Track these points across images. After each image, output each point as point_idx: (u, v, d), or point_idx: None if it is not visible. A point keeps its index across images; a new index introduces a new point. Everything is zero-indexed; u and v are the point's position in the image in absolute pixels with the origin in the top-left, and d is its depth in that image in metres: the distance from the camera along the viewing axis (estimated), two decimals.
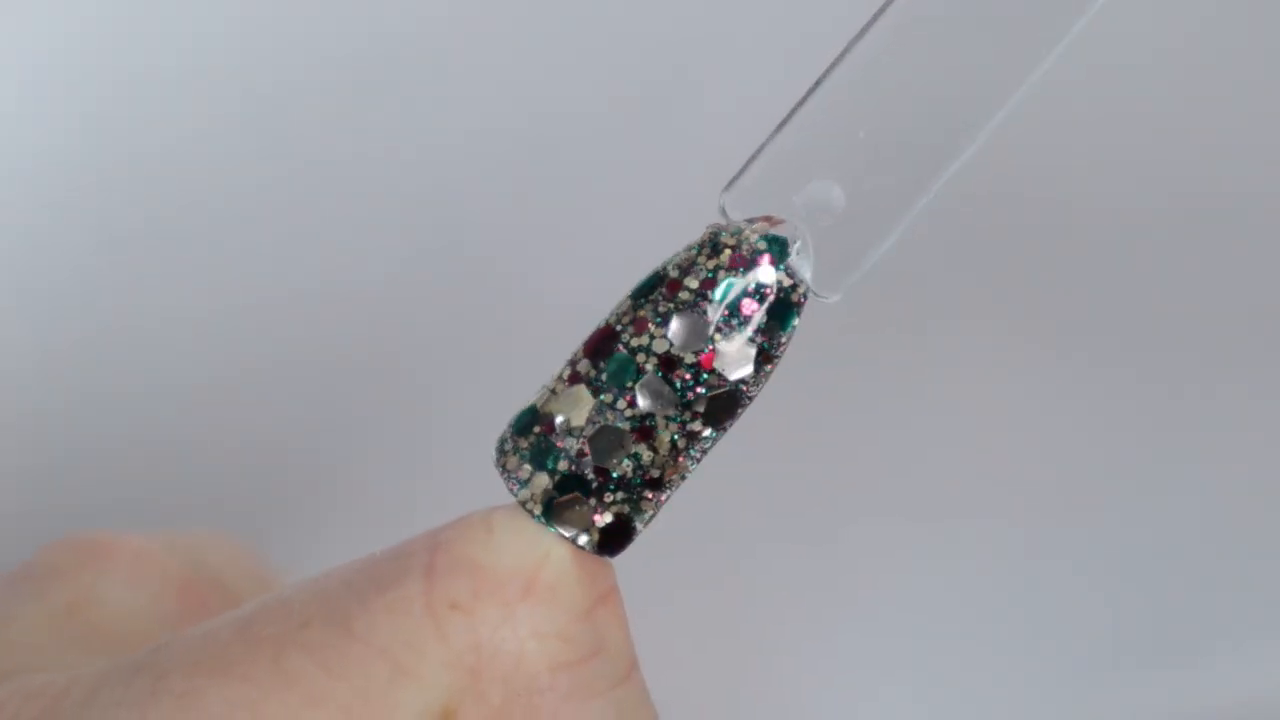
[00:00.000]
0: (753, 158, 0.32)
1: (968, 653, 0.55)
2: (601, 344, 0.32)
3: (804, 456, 0.56)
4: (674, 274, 0.32)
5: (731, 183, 0.33)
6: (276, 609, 0.32)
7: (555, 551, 0.32)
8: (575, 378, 0.32)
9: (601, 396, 0.32)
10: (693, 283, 0.32)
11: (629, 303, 0.32)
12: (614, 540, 0.32)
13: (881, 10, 0.32)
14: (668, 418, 0.32)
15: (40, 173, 0.53)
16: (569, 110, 0.55)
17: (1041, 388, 0.56)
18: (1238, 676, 0.54)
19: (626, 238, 0.53)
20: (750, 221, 0.32)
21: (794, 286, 0.32)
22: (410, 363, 0.55)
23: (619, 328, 0.32)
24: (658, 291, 0.32)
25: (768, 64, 0.54)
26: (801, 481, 0.56)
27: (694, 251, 0.32)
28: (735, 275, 0.32)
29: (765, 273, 0.32)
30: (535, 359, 0.53)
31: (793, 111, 0.32)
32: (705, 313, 0.32)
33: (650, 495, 0.32)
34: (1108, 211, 0.56)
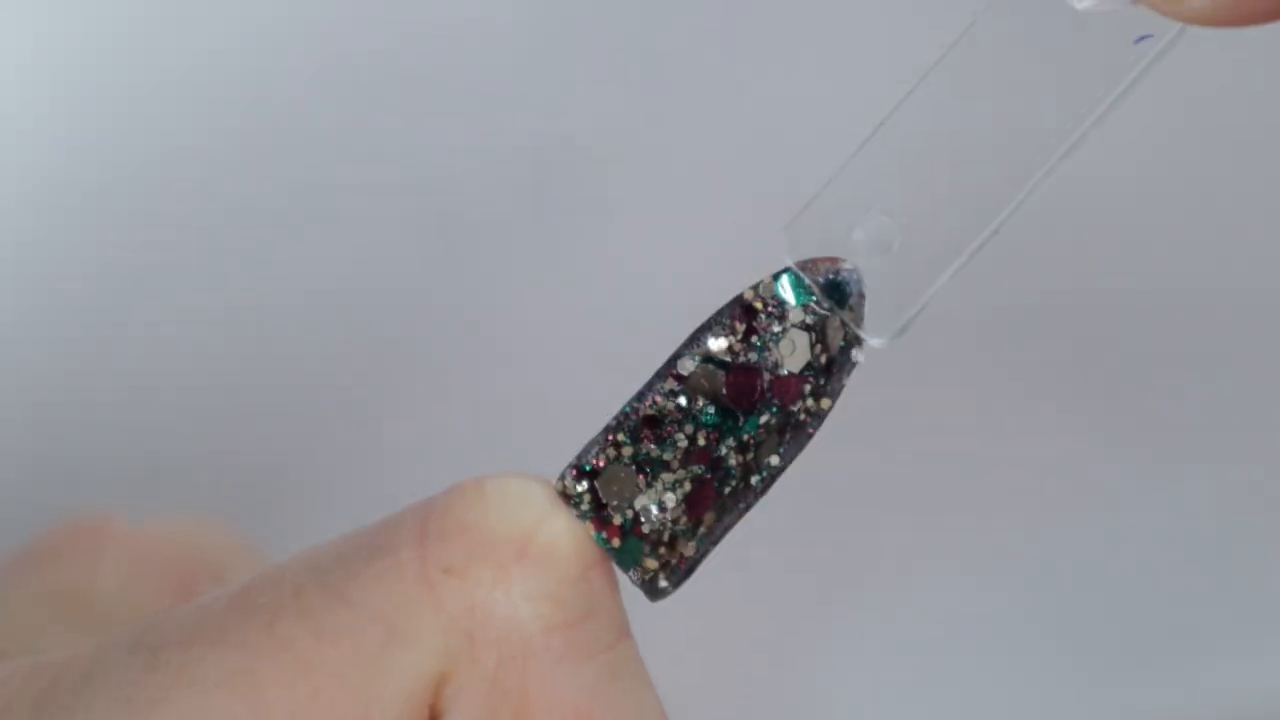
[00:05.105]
0: (815, 195, 0.32)
1: (969, 654, 0.55)
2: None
3: (805, 459, 0.55)
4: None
5: (793, 220, 0.32)
6: (269, 579, 0.32)
7: (549, 515, 0.32)
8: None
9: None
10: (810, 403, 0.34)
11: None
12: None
13: (947, 51, 0.32)
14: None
15: (39, 174, 0.53)
16: (569, 120, 0.55)
17: (1044, 389, 0.56)
18: (1238, 676, 0.54)
19: (626, 245, 0.53)
20: (810, 268, 0.32)
21: (857, 338, 0.33)
22: (402, 368, 0.55)
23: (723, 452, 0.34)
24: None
25: (771, 74, 0.54)
26: (802, 483, 0.56)
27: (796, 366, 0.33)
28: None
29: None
30: (533, 364, 0.53)
31: (857, 151, 0.32)
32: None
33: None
34: (1109, 215, 0.56)
